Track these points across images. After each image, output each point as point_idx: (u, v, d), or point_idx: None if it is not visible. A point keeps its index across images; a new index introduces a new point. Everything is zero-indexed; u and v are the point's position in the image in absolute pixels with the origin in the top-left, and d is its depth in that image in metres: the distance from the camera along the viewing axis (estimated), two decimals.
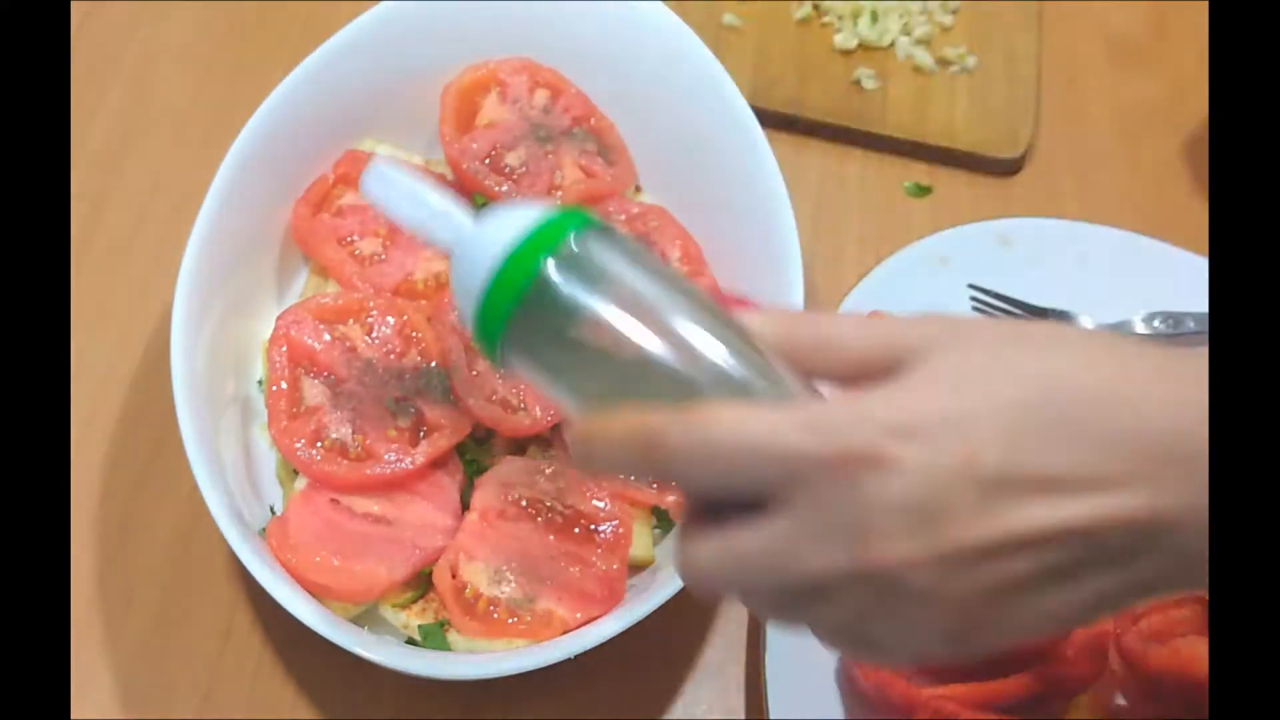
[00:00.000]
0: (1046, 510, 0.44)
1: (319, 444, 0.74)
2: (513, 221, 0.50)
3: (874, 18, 1.03)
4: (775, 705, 0.72)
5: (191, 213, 0.76)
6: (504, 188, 0.82)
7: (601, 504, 0.74)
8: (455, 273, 0.52)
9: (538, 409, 0.76)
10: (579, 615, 0.70)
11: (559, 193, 0.83)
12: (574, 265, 0.49)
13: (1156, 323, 0.86)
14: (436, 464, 0.75)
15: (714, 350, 0.47)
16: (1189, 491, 0.44)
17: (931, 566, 0.44)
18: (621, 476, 0.55)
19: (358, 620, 0.72)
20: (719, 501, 0.47)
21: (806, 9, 1.04)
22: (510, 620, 0.70)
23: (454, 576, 0.71)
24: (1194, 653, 0.69)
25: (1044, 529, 0.44)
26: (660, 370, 0.47)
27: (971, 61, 1.02)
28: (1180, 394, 0.45)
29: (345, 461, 0.73)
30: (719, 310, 0.48)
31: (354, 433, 0.74)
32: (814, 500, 0.44)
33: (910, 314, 0.48)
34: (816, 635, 0.49)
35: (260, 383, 0.79)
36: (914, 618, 0.46)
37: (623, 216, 0.84)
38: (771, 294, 0.78)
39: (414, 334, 0.78)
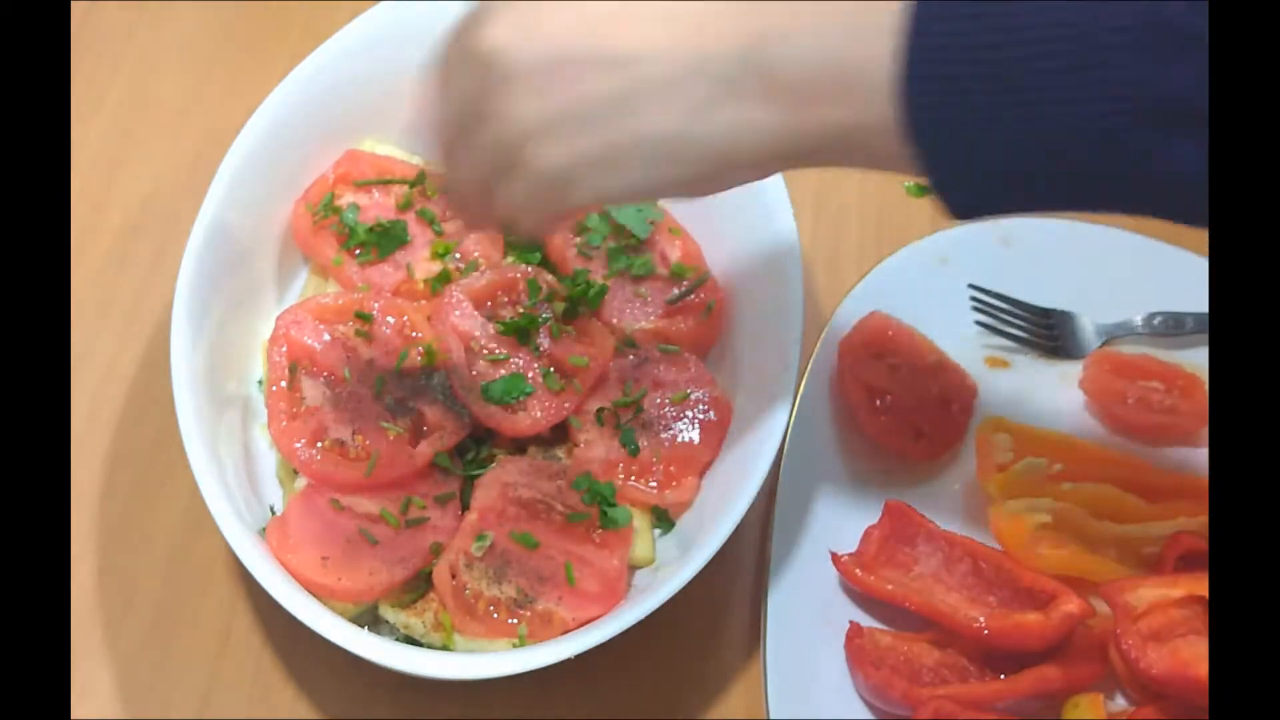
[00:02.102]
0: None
1: (319, 444, 0.74)
2: None
3: None
4: (775, 705, 0.72)
5: (191, 213, 0.76)
6: None
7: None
8: None
9: (538, 409, 0.76)
10: (579, 615, 0.71)
11: None
12: None
13: (1156, 322, 0.86)
14: (436, 464, 0.75)
15: None
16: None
17: (518, 39, 0.55)
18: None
19: (358, 620, 0.72)
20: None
21: None
22: (510, 620, 0.70)
23: (454, 577, 0.71)
24: (1194, 653, 0.69)
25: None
26: None
27: None
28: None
29: (345, 461, 0.73)
30: None
31: (354, 433, 0.74)
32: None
33: None
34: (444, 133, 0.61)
35: (260, 383, 0.79)
36: (516, 105, 0.56)
37: None
38: (771, 294, 0.78)
39: (414, 334, 0.78)
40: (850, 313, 0.85)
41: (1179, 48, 0.47)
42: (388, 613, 0.72)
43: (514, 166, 0.58)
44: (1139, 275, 0.88)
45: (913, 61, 0.49)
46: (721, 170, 0.57)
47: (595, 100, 0.55)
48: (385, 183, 0.83)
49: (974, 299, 0.87)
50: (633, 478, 0.76)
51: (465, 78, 0.58)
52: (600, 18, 0.55)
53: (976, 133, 0.50)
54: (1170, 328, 0.86)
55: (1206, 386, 0.83)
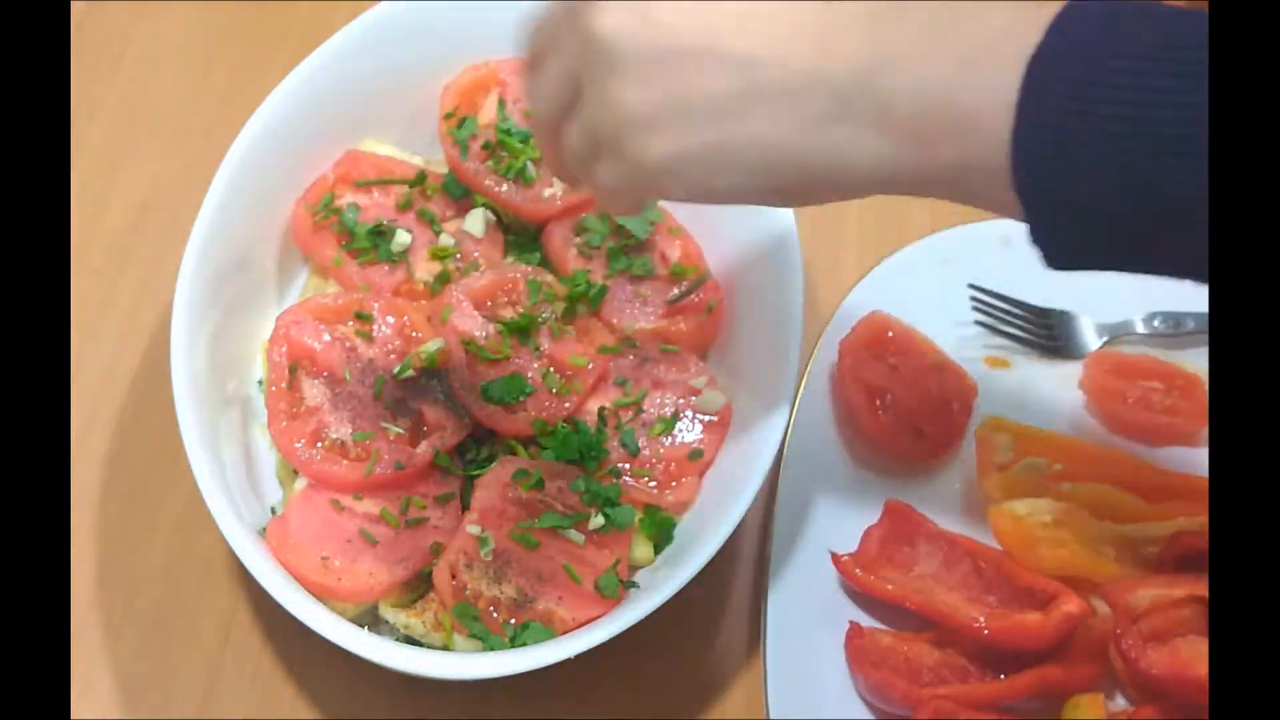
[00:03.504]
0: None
1: (319, 444, 0.74)
2: None
3: None
4: (775, 705, 0.72)
5: (191, 213, 0.76)
6: (503, 188, 0.82)
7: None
8: None
9: (537, 409, 0.76)
10: (579, 615, 0.71)
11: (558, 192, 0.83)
12: None
13: (1156, 323, 0.86)
14: (436, 464, 0.75)
15: None
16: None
17: (634, 25, 0.54)
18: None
19: (358, 620, 0.72)
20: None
21: None
22: (510, 620, 0.70)
23: (454, 577, 0.71)
24: (1194, 653, 0.69)
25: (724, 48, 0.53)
26: None
27: None
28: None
29: (345, 461, 0.73)
30: None
31: (354, 433, 0.74)
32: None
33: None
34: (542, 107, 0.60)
35: (260, 383, 0.79)
36: (623, 92, 0.55)
37: None
38: (771, 294, 0.78)
39: (414, 334, 0.78)
40: (850, 313, 0.85)
41: None
42: (388, 613, 0.72)
43: (614, 151, 0.57)
44: (1139, 275, 0.88)
45: (1029, 123, 0.49)
46: (819, 187, 0.56)
47: (705, 99, 0.54)
48: (385, 183, 0.83)
49: (974, 299, 0.87)
50: (632, 477, 0.76)
51: (573, 56, 0.57)
52: (721, 14, 0.54)
53: (1087, 199, 0.49)
54: (1170, 328, 0.86)
55: (1206, 386, 0.83)
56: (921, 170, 0.53)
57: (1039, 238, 0.52)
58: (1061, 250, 0.53)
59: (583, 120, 0.58)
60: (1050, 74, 0.49)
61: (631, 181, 0.58)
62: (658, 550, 0.76)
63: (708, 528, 0.70)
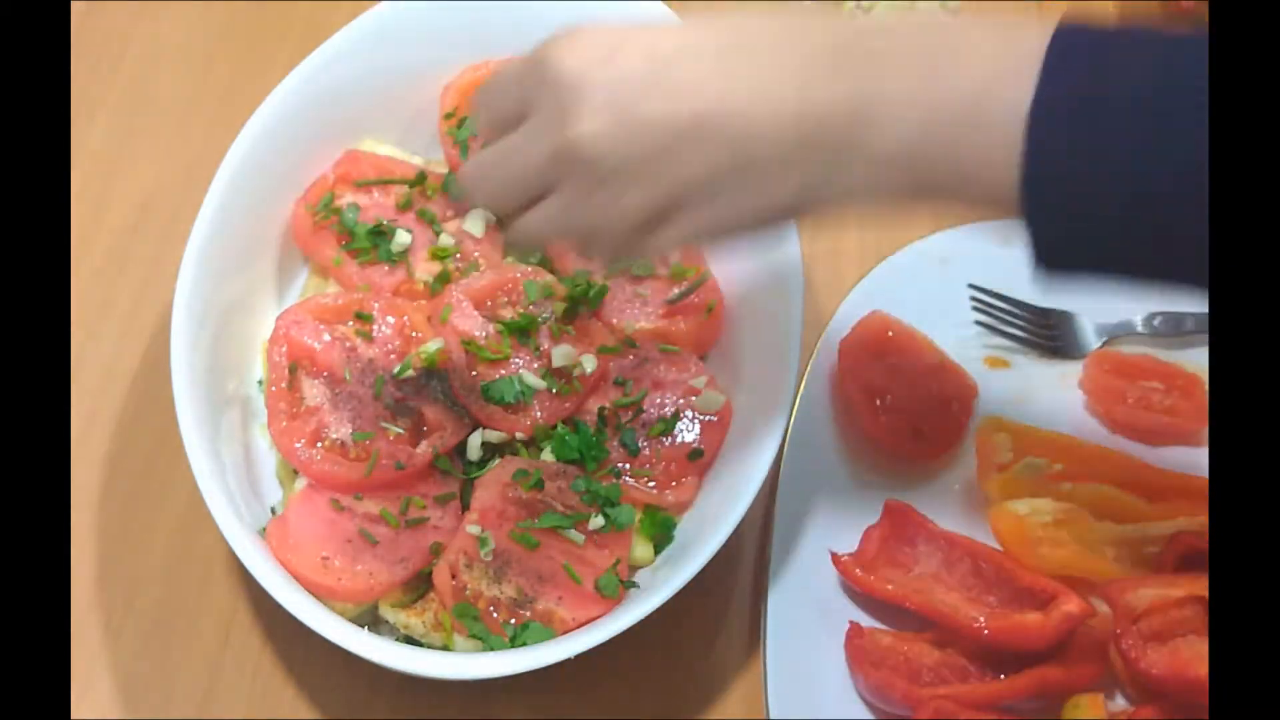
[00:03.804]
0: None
1: (319, 444, 0.74)
2: None
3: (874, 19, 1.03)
4: (775, 705, 0.72)
5: (191, 213, 0.76)
6: None
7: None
8: None
9: (538, 409, 0.76)
10: (579, 615, 0.71)
11: None
12: None
13: (1156, 323, 0.86)
14: (436, 464, 0.75)
15: None
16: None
17: (617, 131, 0.54)
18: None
19: (358, 620, 0.72)
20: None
21: (808, 9, 1.04)
22: (510, 620, 0.70)
23: (454, 577, 0.71)
24: (1194, 653, 0.69)
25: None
26: None
27: None
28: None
29: (345, 461, 0.73)
30: None
31: (354, 433, 0.74)
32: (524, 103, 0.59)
33: None
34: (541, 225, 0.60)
35: (260, 383, 0.79)
36: (623, 195, 0.56)
37: None
38: (771, 294, 0.78)
39: (414, 334, 0.78)
40: (850, 313, 0.85)
41: None
42: (388, 613, 0.72)
43: (616, 247, 0.60)
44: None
45: (1039, 185, 0.51)
46: (820, 215, 0.59)
47: (704, 179, 0.55)
48: (385, 183, 0.83)
49: (974, 299, 0.87)
50: (632, 477, 0.76)
51: (547, 157, 0.57)
52: (701, 95, 0.54)
53: (1098, 237, 0.52)
54: (1170, 328, 0.86)
55: (1206, 386, 0.83)
56: (929, 194, 0.55)
57: (1045, 266, 0.55)
58: (1059, 265, 0.55)
59: (561, 220, 0.59)
60: (1053, 123, 0.50)
61: (630, 256, 0.63)
62: (658, 550, 0.76)
63: (708, 528, 0.70)
